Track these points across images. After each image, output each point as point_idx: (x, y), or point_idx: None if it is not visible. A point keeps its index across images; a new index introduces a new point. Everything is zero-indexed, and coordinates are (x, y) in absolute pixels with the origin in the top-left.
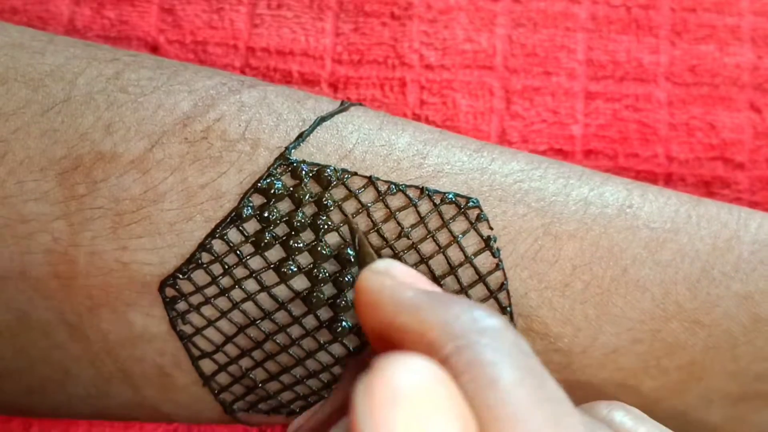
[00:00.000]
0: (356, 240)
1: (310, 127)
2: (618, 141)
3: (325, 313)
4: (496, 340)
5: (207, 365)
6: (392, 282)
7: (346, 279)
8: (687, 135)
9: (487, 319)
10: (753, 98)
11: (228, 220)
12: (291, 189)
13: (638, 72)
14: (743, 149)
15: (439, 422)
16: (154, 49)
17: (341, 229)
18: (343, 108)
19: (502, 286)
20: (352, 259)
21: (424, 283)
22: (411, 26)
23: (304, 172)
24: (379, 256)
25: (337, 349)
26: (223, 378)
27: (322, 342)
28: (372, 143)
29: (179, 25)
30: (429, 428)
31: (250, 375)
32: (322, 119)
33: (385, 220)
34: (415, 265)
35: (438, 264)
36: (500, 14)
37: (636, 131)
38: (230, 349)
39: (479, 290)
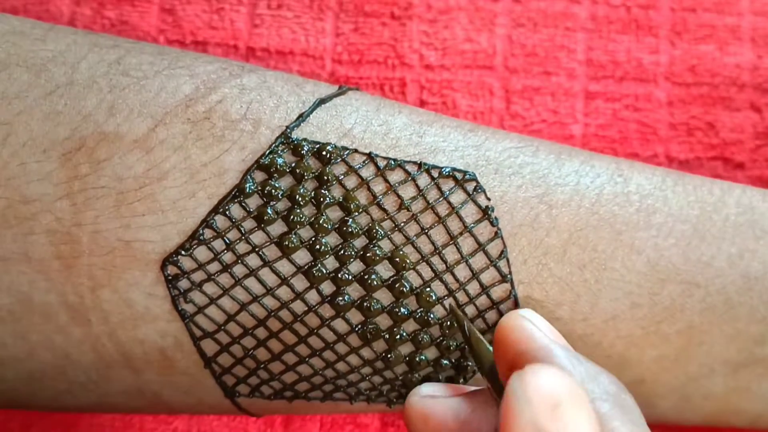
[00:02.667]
0: (465, 329)
1: (309, 107)
2: (618, 141)
3: (327, 288)
4: (623, 404)
5: (209, 346)
6: (539, 331)
7: (347, 252)
8: (687, 135)
9: (615, 384)
10: (753, 98)
11: (230, 195)
12: (293, 165)
13: (638, 72)
14: (743, 149)
15: (578, 410)
16: None
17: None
18: (341, 91)
19: (502, 254)
20: (465, 348)
21: (559, 337)
22: (411, 26)
23: (305, 150)
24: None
25: (339, 324)
26: (224, 359)
27: (324, 317)
28: (370, 123)
29: (179, 25)
30: (572, 411)
31: (252, 354)
32: (322, 101)
33: (385, 194)
34: (416, 236)
35: (438, 234)
36: (500, 14)
37: (636, 131)
38: (232, 328)
39: (479, 259)
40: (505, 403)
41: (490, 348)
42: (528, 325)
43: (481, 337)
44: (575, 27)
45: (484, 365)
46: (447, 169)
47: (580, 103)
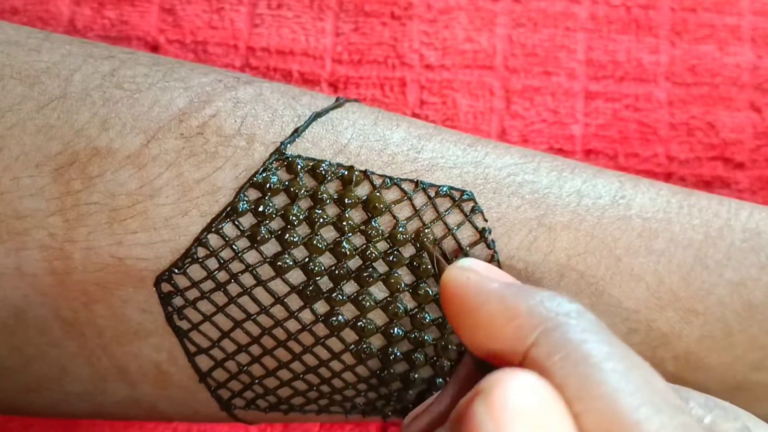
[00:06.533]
0: (431, 253)
1: (305, 122)
2: (618, 141)
3: (321, 307)
4: (580, 320)
5: (203, 361)
6: (477, 276)
7: (342, 272)
8: (687, 135)
9: (569, 303)
10: (753, 98)
11: (223, 214)
12: (286, 183)
13: (638, 72)
14: (743, 149)
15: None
16: (155, 48)
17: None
18: (338, 104)
19: None
20: (430, 270)
21: (506, 277)
22: (411, 26)
23: (299, 167)
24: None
25: (333, 343)
26: (219, 374)
27: (318, 336)
28: (367, 138)
29: (179, 25)
30: None
31: (246, 370)
32: (317, 115)
33: (381, 214)
34: (411, 258)
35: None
36: (500, 14)
37: (636, 131)
38: (227, 344)
39: None
40: (473, 428)
41: None
42: (472, 276)
43: (446, 261)
44: (575, 27)
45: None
46: (444, 188)
47: (580, 103)
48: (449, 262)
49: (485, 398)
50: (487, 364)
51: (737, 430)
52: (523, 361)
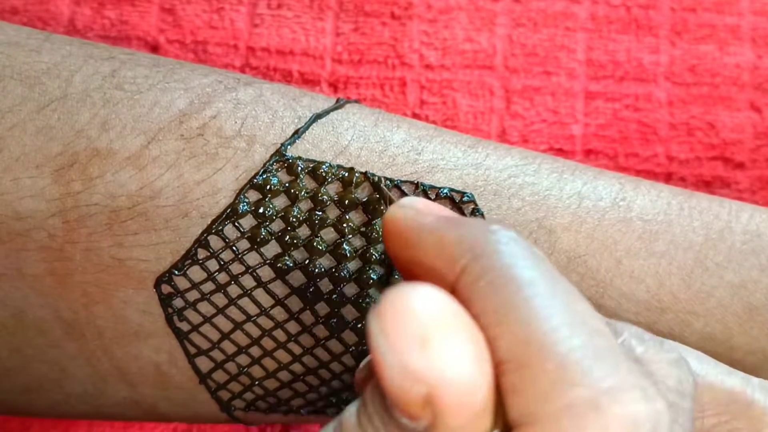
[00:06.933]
0: (386, 196)
1: (305, 124)
2: (618, 141)
3: (321, 309)
4: (511, 246)
5: (203, 363)
6: (415, 212)
7: (342, 274)
8: (687, 135)
9: (502, 230)
10: (753, 98)
11: (224, 215)
12: (287, 185)
13: (638, 72)
14: (743, 149)
15: (451, 337)
16: (155, 48)
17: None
18: (338, 105)
19: None
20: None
21: (445, 211)
22: (411, 26)
23: (300, 169)
24: None
25: (334, 345)
26: (219, 375)
27: (319, 338)
28: (367, 139)
29: (179, 25)
30: (443, 341)
31: (246, 371)
32: (318, 116)
33: (381, 215)
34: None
35: None
36: (500, 14)
37: (636, 131)
38: (227, 346)
39: None
40: (370, 347)
41: None
42: (411, 213)
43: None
44: (575, 27)
45: None
46: (445, 190)
47: (580, 103)
48: None
49: (376, 308)
50: None
51: (671, 360)
52: (453, 291)
